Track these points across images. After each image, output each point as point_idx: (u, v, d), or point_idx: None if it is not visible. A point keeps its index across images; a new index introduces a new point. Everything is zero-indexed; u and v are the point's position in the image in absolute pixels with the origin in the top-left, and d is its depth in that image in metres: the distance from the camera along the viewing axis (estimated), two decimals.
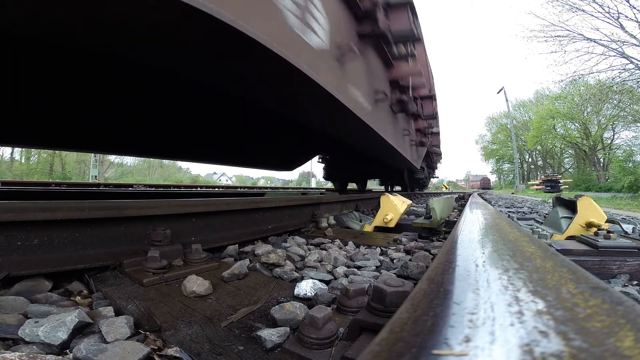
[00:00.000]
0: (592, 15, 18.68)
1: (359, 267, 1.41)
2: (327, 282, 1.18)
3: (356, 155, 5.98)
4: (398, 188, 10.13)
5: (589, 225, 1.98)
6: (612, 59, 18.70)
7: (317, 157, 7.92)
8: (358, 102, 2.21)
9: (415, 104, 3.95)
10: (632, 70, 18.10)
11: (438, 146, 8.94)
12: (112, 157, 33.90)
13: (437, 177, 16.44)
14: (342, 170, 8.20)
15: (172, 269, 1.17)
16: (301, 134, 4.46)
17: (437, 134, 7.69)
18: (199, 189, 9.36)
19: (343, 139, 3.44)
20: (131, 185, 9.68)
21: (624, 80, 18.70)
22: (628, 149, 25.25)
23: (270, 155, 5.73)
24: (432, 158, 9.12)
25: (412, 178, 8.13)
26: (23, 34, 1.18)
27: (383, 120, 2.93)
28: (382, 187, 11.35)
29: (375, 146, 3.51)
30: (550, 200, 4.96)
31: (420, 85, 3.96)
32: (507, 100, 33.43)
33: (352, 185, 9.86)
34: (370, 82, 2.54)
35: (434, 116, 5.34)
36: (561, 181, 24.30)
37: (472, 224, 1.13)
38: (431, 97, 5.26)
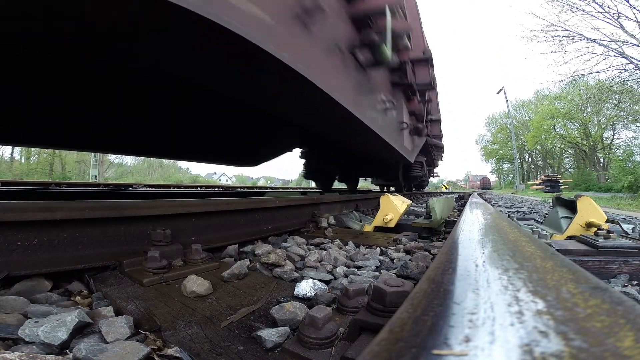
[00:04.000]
0: (592, 15, 18.69)
1: (359, 267, 1.41)
2: (327, 282, 1.18)
3: (344, 150, 5.46)
4: (392, 188, 8.99)
5: (589, 225, 1.98)
6: (612, 59, 18.72)
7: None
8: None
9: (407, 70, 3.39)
10: (632, 70, 18.10)
11: (439, 137, 7.66)
12: (112, 157, 33.98)
13: (438, 176, 15.08)
14: (326, 167, 7.01)
15: (172, 269, 1.17)
16: (275, 125, 4.15)
17: (438, 121, 6.87)
18: (199, 189, 9.38)
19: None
20: (131, 185, 9.71)
21: (624, 80, 18.70)
22: (628, 149, 25.17)
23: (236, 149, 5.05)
24: (432, 153, 8.07)
25: (408, 176, 7.16)
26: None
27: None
28: (378, 187, 10.65)
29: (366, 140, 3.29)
30: (550, 200, 4.96)
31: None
32: (507, 100, 33.47)
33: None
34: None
35: (431, 85, 4.12)
36: (561, 181, 24.30)
37: (472, 224, 1.13)
38: (427, 60, 3.92)
